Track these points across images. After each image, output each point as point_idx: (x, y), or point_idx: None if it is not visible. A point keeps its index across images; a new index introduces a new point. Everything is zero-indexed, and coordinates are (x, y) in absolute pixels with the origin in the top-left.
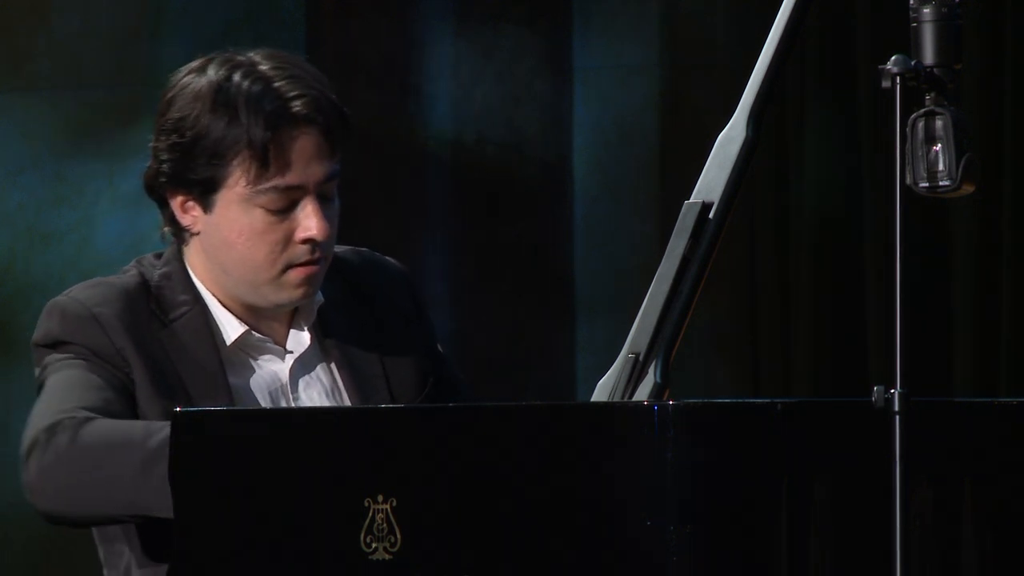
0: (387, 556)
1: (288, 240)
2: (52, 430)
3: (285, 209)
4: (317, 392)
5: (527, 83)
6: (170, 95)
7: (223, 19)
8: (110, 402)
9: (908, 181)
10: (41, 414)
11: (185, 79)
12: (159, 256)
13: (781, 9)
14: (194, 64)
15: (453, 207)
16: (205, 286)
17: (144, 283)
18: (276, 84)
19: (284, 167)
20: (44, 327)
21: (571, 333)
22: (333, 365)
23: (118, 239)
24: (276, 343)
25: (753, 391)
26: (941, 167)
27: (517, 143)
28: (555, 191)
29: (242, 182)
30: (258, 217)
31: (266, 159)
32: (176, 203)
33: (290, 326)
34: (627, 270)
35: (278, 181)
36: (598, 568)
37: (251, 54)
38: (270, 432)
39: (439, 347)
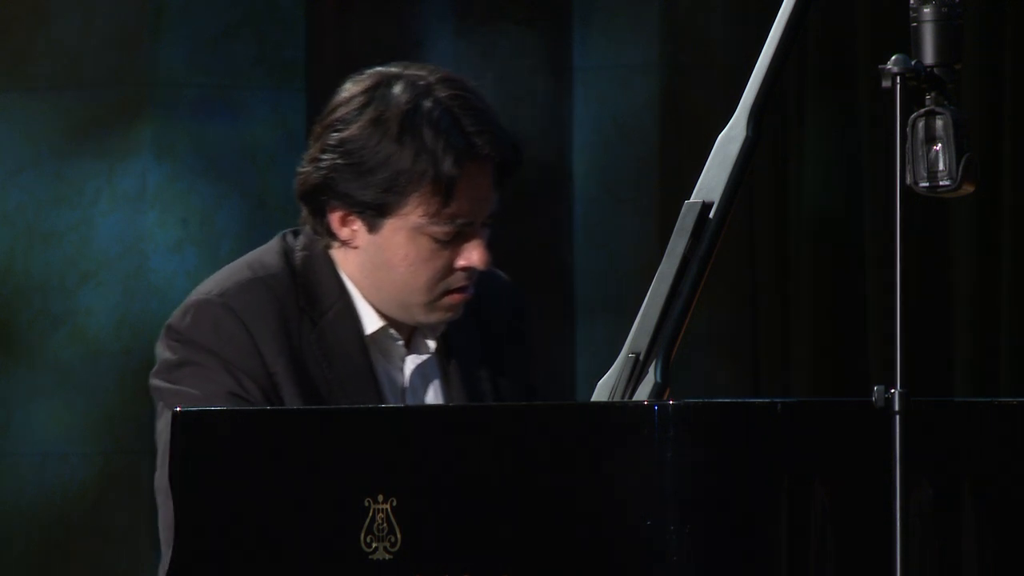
0: (387, 556)
1: (450, 268)
2: None
3: (453, 240)
4: (430, 402)
5: (527, 83)
6: (342, 111)
7: (223, 19)
8: None
9: (908, 181)
10: None
11: (360, 96)
12: (296, 234)
13: (781, 9)
14: (367, 81)
15: None
16: (349, 278)
17: (290, 271)
18: (461, 117)
19: (464, 203)
20: (191, 324)
21: (571, 333)
22: (451, 378)
23: (118, 239)
24: (404, 346)
25: (753, 391)
26: (941, 167)
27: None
28: (555, 191)
29: (419, 212)
30: (425, 245)
31: (450, 195)
32: (336, 216)
33: (413, 332)
34: (627, 270)
35: (455, 216)
36: (598, 568)
37: (429, 76)
38: (270, 432)
39: (535, 373)
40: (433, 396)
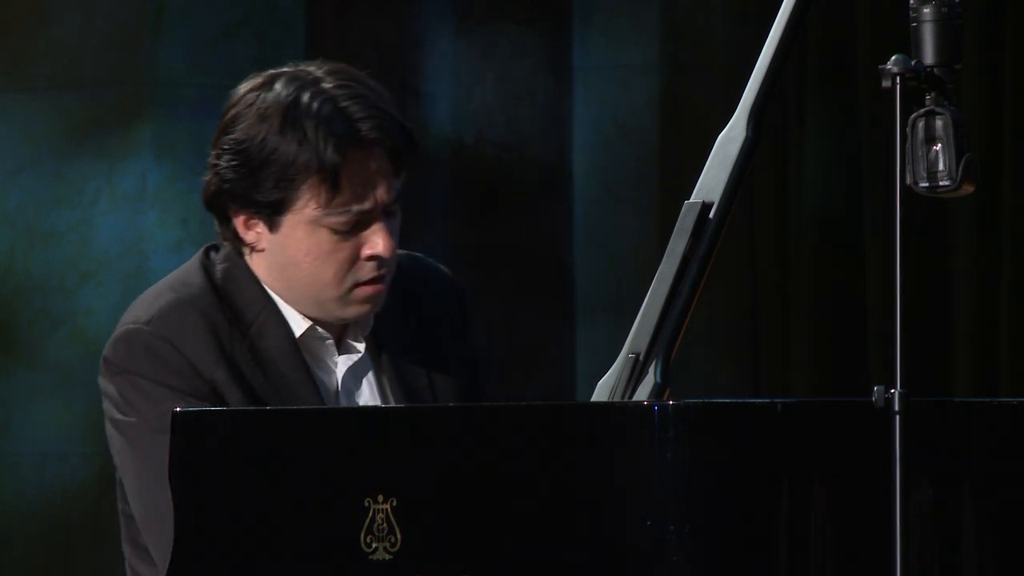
0: (387, 556)
1: (355, 258)
2: None
3: (352, 229)
4: (365, 401)
5: (527, 83)
6: (233, 112)
7: (223, 19)
8: None
9: (908, 181)
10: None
11: (248, 96)
12: (216, 249)
13: (781, 9)
14: (257, 80)
15: (453, 207)
16: (268, 286)
17: (212, 286)
18: (344, 104)
19: (354, 190)
20: (125, 355)
21: (571, 333)
22: (383, 375)
23: (118, 239)
24: (333, 345)
25: (753, 391)
26: (941, 167)
27: (517, 143)
28: (555, 191)
29: (311, 205)
30: (325, 238)
31: (337, 183)
32: (239, 220)
33: (343, 333)
34: (627, 270)
35: (346, 205)
36: (598, 568)
37: (316, 70)
38: (270, 432)
39: (476, 361)
40: (368, 395)
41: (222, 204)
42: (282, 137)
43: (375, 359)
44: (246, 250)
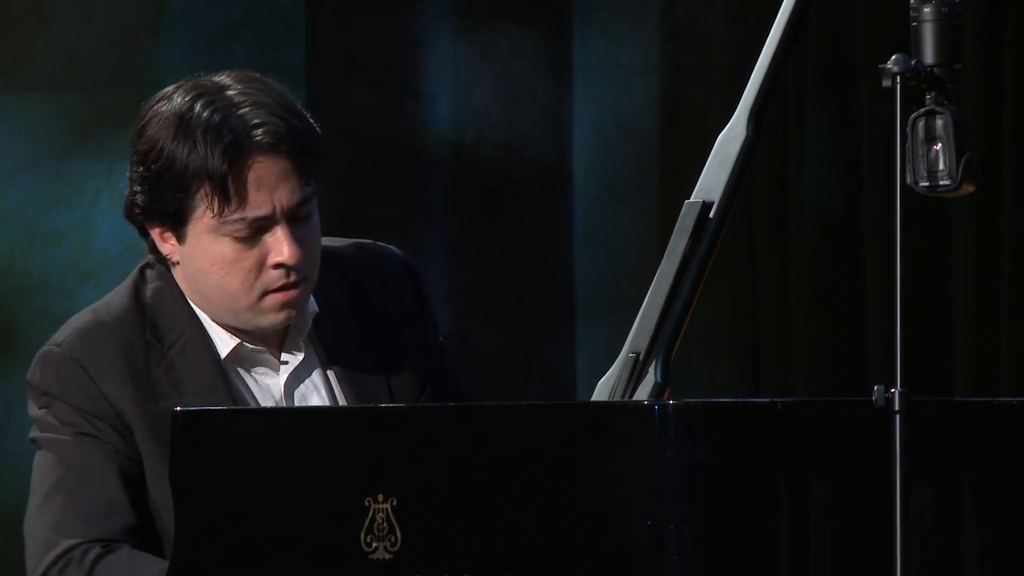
0: (387, 555)
1: (261, 266)
2: (61, 569)
3: (254, 236)
4: (315, 403)
5: (527, 83)
6: (142, 123)
7: (223, 19)
8: (111, 496)
9: (908, 181)
10: (44, 527)
11: (157, 106)
12: (152, 266)
13: (781, 9)
14: (167, 89)
15: (453, 207)
16: (194, 304)
17: (138, 307)
18: (239, 112)
19: (245, 198)
20: (40, 376)
21: (571, 333)
22: (332, 374)
23: (118, 239)
24: (271, 355)
25: (753, 391)
26: (941, 167)
27: (517, 143)
28: (555, 191)
29: (208, 214)
30: (227, 245)
31: (226, 191)
32: (155, 233)
33: (283, 340)
34: (627, 270)
35: (241, 212)
36: (598, 568)
37: (221, 78)
38: (270, 432)
39: (440, 340)
40: (315, 397)
41: (138, 217)
42: (176, 145)
43: (323, 362)
44: (170, 263)
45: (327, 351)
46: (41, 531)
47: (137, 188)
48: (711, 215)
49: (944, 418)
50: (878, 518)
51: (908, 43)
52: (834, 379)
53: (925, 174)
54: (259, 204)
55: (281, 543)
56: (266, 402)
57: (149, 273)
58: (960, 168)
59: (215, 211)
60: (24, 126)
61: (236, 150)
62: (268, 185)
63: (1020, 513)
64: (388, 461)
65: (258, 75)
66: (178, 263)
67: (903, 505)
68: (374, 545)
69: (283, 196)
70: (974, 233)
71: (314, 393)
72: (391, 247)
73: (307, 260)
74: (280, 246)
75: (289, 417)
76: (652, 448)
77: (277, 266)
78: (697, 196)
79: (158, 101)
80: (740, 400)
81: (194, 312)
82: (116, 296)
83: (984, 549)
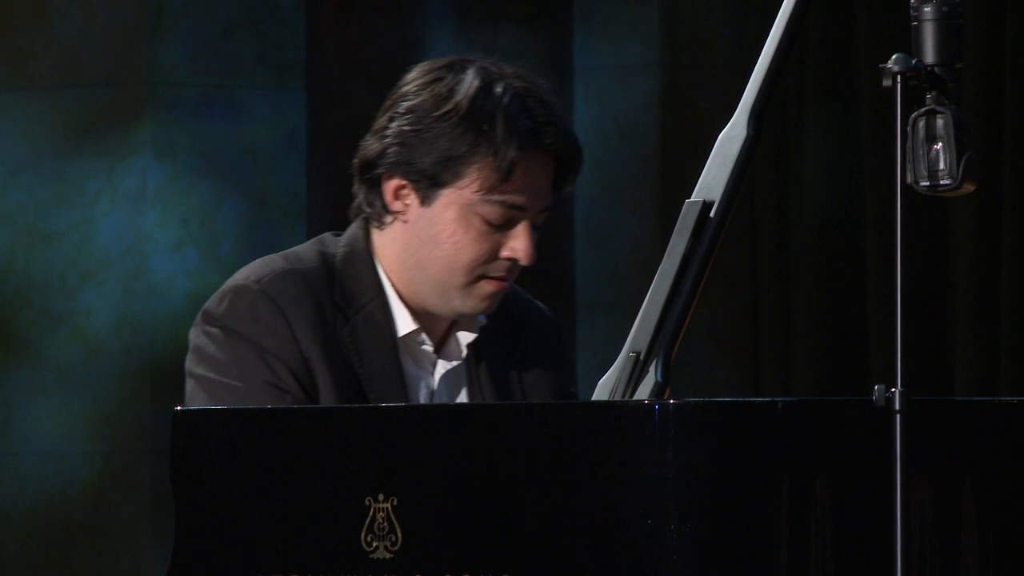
0: (388, 555)
1: (494, 254)
2: None
3: (502, 225)
4: None
5: None
6: (417, 82)
7: (223, 19)
8: None
9: (909, 180)
10: None
11: (436, 71)
12: (338, 235)
13: (781, 9)
14: (442, 61)
15: None
16: (387, 275)
17: (326, 267)
18: (531, 106)
19: (519, 186)
20: (227, 310)
21: (571, 333)
22: (479, 386)
23: (118, 238)
24: (432, 351)
25: (754, 390)
26: (942, 166)
27: None
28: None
29: (473, 187)
30: (474, 225)
31: (508, 175)
32: (390, 186)
33: (447, 337)
34: (627, 270)
35: (509, 197)
36: (598, 568)
37: (504, 67)
38: (270, 432)
39: (573, 391)
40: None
41: (377, 170)
42: (466, 120)
43: (473, 370)
44: (381, 224)
45: (480, 361)
46: None
47: (395, 140)
48: (712, 214)
49: (944, 417)
50: (878, 517)
51: (908, 43)
52: (834, 378)
53: (925, 173)
54: (524, 196)
55: (282, 543)
56: (420, 393)
57: (335, 239)
58: (960, 168)
59: (485, 188)
60: (24, 126)
61: (529, 139)
62: (537, 182)
63: (1020, 513)
64: (389, 461)
65: (532, 74)
66: (407, 222)
67: (903, 504)
68: (374, 545)
69: (542, 197)
70: (974, 233)
71: (461, 399)
72: (539, 303)
73: (530, 264)
74: (518, 242)
75: (289, 417)
76: (653, 447)
77: (507, 259)
78: (697, 195)
79: (438, 67)
80: (740, 399)
81: (382, 285)
82: (305, 251)
83: (984, 548)
